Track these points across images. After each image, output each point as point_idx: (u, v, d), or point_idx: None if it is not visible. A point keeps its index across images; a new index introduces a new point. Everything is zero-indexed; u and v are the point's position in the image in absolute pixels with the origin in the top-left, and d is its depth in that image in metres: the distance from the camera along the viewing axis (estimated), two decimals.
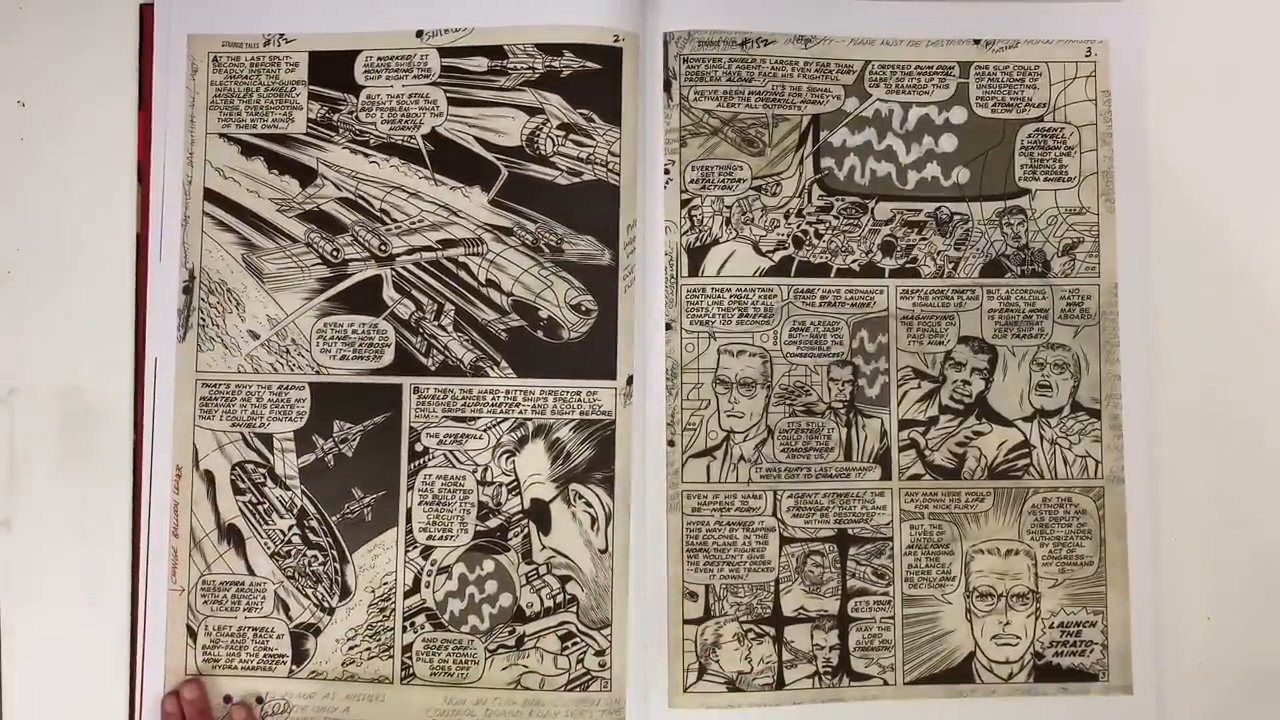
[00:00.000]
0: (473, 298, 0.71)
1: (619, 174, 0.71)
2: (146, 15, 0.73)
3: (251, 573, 0.70)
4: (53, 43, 0.73)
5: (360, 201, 0.72)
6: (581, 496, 0.70)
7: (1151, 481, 0.71)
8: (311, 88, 0.72)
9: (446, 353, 0.71)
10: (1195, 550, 0.71)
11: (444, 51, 0.72)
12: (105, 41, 0.73)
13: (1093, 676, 0.70)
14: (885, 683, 0.70)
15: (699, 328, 0.71)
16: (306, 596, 0.70)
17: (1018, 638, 0.70)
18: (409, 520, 0.70)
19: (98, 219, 0.72)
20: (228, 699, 0.70)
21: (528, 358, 0.71)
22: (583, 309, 0.70)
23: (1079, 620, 0.71)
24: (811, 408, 0.71)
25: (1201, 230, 0.73)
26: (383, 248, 0.71)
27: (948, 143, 0.72)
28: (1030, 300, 0.72)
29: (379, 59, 0.72)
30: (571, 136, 0.71)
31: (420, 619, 0.70)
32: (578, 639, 0.69)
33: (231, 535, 0.71)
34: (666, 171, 0.71)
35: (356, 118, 0.72)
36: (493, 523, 0.70)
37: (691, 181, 0.71)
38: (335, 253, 0.72)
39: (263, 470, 0.71)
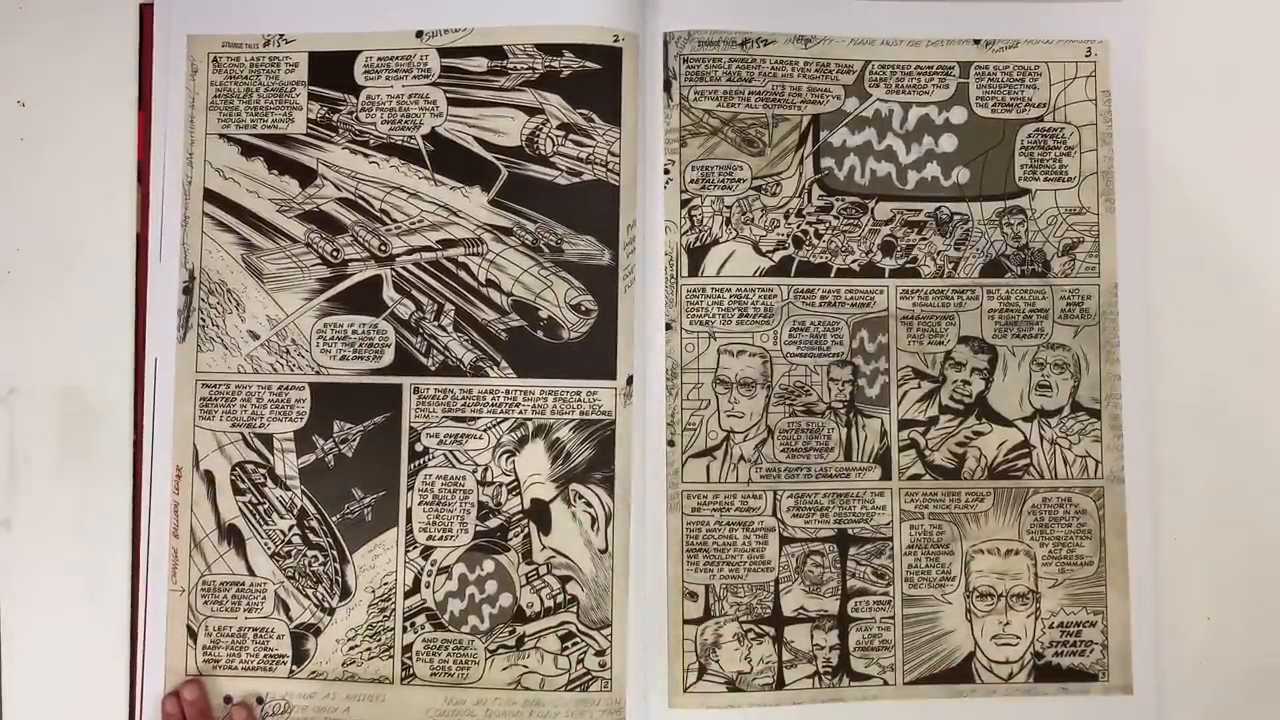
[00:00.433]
0: (473, 298, 0.71)
1: (619, 174, 0.71)
2: (146, 15, 0.73)
3: (252, 573, 0.70)
4: (53, 43, 0.73)
5: (360, 202, 0.72)
6: (581, 496, 0.70)
7: (1151, 481, 0.71)
8: (311, 88, 0.72)
9: (446, 353, 0.71)
10: (1195, 550, 0.71)
11: (444, 52, 0.72)
12: (105, 41, 0.73)
13: (1093, 676, 0.70)
14: (885, 683, 0.70)
15: (699, 328, 0.71)
16: (307, 597, 0.70)
17: (1018, 638, 0.70)
18: (409, 520, 0.70)
19: (98, 219, 0.72)
20: (228, 699, 0.70)
21: (528, 358, 0.71)
22: (583, 309, 0.70)
23: (1079, 620, 0.71)
24: (811, 408, 0.71)
25: (1201, 230, 0.73)
26: (383, 248, 0.71)
27: (948, 143, 0.72)
28: (1030, 300, 0.72)
29: (379, 59, 0.72)
30: (571, 136, 0.71)
31: (420, 619, 0.70)
32: (578, 639, 0.69)
33: (232, 535, 0.71)
34: (666, 171, 0.71)
35: (356, 118, 0.72)
36: (493, 523, 0.70)
37: (691, 181, 0.71)
38: (335, 253, 0.72)
39: (263, 470, 0.71)
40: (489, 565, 0.70)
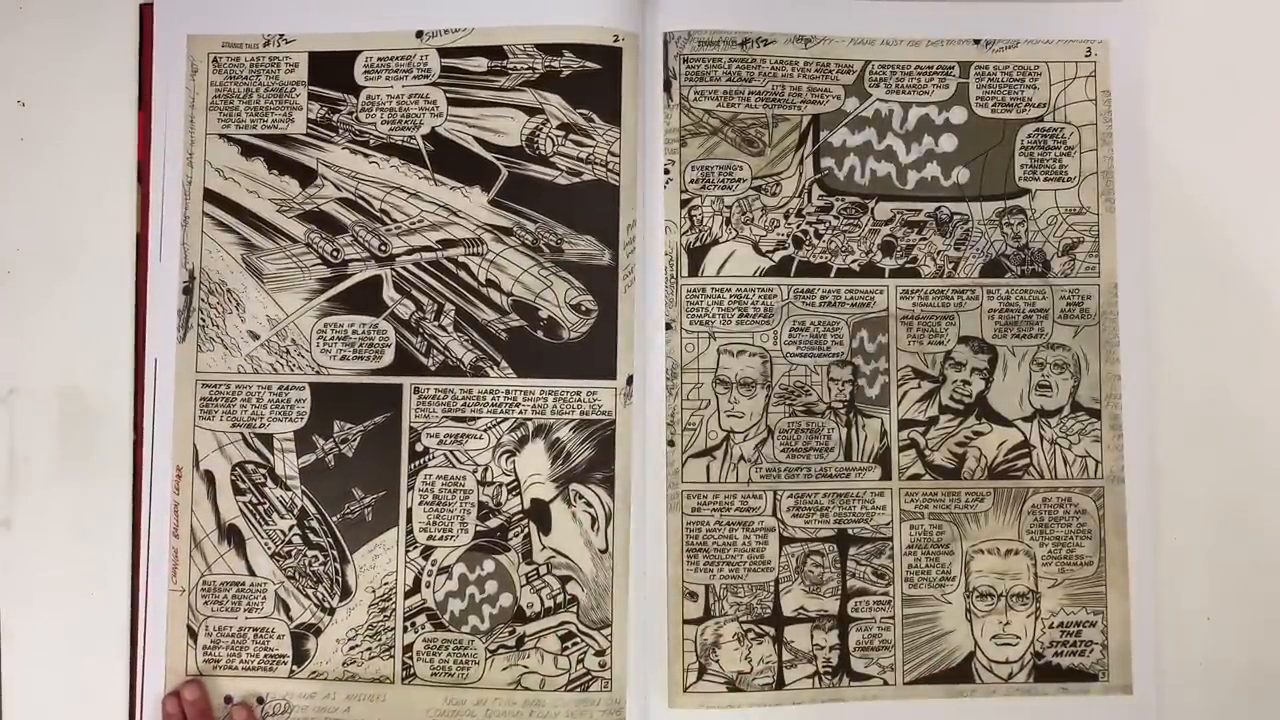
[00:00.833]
0: (473, 298, 0.71)
1: (619, 174, 0.71)
2: (146, 15, 0.73)
3: (252, 573, 0.70)
4: (53, 43, 0.73)
5: (360, 202, 0.72)
6: (581, 496, 0.70)
7: (1151, 481, 0.71)
8: (311, 88, 0.72)
9: (447, 353, 0.71)
10: (1195, 550, 0.71)
11: (444, 52, 0.72)
12: (105, 41, 0.73)
13: (1093, 676, 0.70)
14: (885, 683, 0.70)
15: (699, 328, 0.71)
16: (307, 597, 0.70)
17: (1017, 638, 0.70)
18: (409, 520, 0.70)
19: (98, 219, 0.72)
20: (228, 699, 0.70)
21: (528, 358, 0.71)
22: (583, 309, 0.70)
23: (1079, 620, 0.71)
24: (811, 408, 0.71)
25: (1201, 230, 0.73)
26: (383, 248, 0.71)
27: (948, 143, 0.72)
28: (1030, 300, 0.72)
29: (379, 59, 0.72)
30: (571, 136, 0.71)
31: (421, 619, 0.70)
32: (578, 639, 0.69)
33: (232, 535, 0.71)
34: (666, 171, 0.71)
35: (356, 118, 0.72)
36: (493, 523, 0.70)
37: (691, 181, 0.71)
38: (335, 253, 0.72)
39: (263, 470, 0.71)
40: (489, 565, 0.70)
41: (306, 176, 0.72)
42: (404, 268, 0.71)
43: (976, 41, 0.73)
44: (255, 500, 0.71)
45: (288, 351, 0.71)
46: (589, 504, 0.70)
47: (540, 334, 0.71)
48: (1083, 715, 0.70)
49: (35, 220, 0.73)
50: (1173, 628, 0.71)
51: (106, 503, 0.71)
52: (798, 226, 0.72)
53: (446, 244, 0.71)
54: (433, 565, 0.70)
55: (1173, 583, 0.71)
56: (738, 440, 0.71)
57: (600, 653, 0.69)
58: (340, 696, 0.69)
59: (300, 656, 0.70)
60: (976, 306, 0.72)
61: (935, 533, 0.71)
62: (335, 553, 0.70)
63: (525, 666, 0.69)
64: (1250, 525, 0.72)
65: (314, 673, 0.70)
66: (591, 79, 0.71)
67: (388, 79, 0.72)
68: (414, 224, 0.72)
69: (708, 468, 0.71)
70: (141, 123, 0.73)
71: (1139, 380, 0.72)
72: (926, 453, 0.71)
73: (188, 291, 0.72)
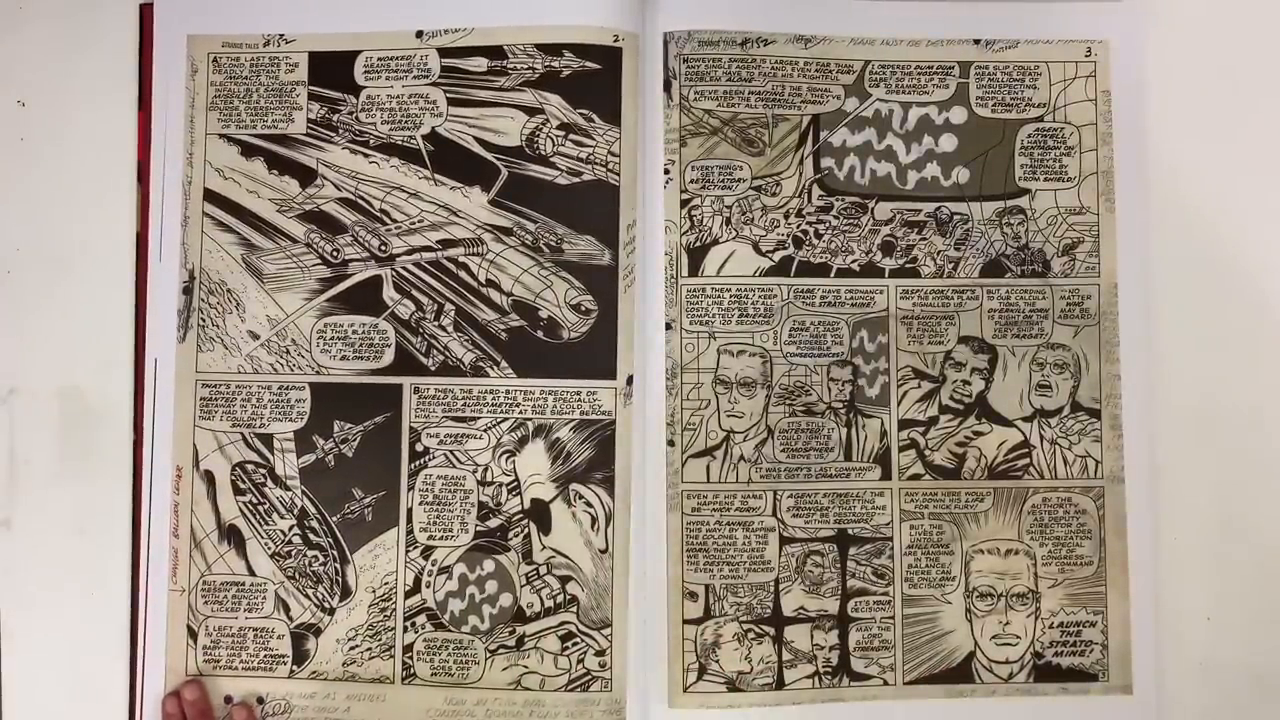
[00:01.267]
0: (473, 298, 0.71)
1: (619, 174, 0.71)
2: (146, 15, 0.73)
3: (252, 573, 0.70)
4: (53, 43, 0.73)
5: (360, 202, 0.72)
6: (581, 496, 0.70)
7: (1151, 481, 0.71)
8: (311, 88, 0.72)
9: (446, 353, 0.71)
10: (1195, 550, 0.71)
11: (444, 52, 0.72)
12: (105, 41, 0.73)
13: (1093, 676, 0.70)
14: (885, 683, 0.70)
15: (699, 328, 0.71)
16: (307, 597, 0.70)
17: (1017, 638, 0.70)
18: (409, 520, 0.70)
19: (98, 219, 0.72)
20: (228, 699, 0.70)
21: (528, 358, 0.71)
22: (583, 309, 0.70)
23: (1079, 620, 0.71)
24: (811, 408, 0.71)
25: (1201, 230, 0.73)
26: (383, 248, 0.71)
27: (948, 143, 0.72)
28: (1030, 300, 0.72)
29: (379, 59, 0.72)
30: (571, 136, 0.71)
31: (421, 619, 0.70)
32: (578, 639, 0.69)
33: (232, 536, 0.71)
34: (666, 171, 0.71)
35: (356, 118, 0.72)
36: (493, 523, 0.70)
37: (691, 181, 0.71)
38: (335, 253, 0.72)
39: (263, 470, 0.71)
40: (489, 565, 0.70)
41: (306, 176, 0.72)
42: (404, 268, 0.71)
43: (976, 41, 0.73)
44: (255, 500, 0.71)
45: (288, 351, 0.71)
46: (589, 504, 0.70)
47: (540, 334, 0.71)
48: (1083, 715, 0.70)
49: (35, 220, 0.73)
50: (1173, 628, 0.71)
51: (106, 503, 0.71)
52: (798, 226, 0.72)
53: (446, 244, 0.71)
54: (433, 565, 0.70)
55: (1173, 583, 0.71)
56: (738, 440, 0.71)
57: (600, 653, 0.69)
58: (340, 696, 0.69)
59: (300, 656, 0.70)
60: (976, 306, 0.72)
61: (935, 533, 0.71)
62: (335, 553, 0.70)
63: (525, 666, 0.69)
64: (1250, 525, 0.72)
65: (314, 673, 0.70)
66: (591, 79, 0.71)
67: (388, 79, 0.72)
68: (414, 224, 0.72)
69: (708, 468, 0.71)
70: (141, 123, 0.73)
71: (1139, 380, 0.72)
72: (926, 453, 0.71)
73: (188, 291, 0.72)
